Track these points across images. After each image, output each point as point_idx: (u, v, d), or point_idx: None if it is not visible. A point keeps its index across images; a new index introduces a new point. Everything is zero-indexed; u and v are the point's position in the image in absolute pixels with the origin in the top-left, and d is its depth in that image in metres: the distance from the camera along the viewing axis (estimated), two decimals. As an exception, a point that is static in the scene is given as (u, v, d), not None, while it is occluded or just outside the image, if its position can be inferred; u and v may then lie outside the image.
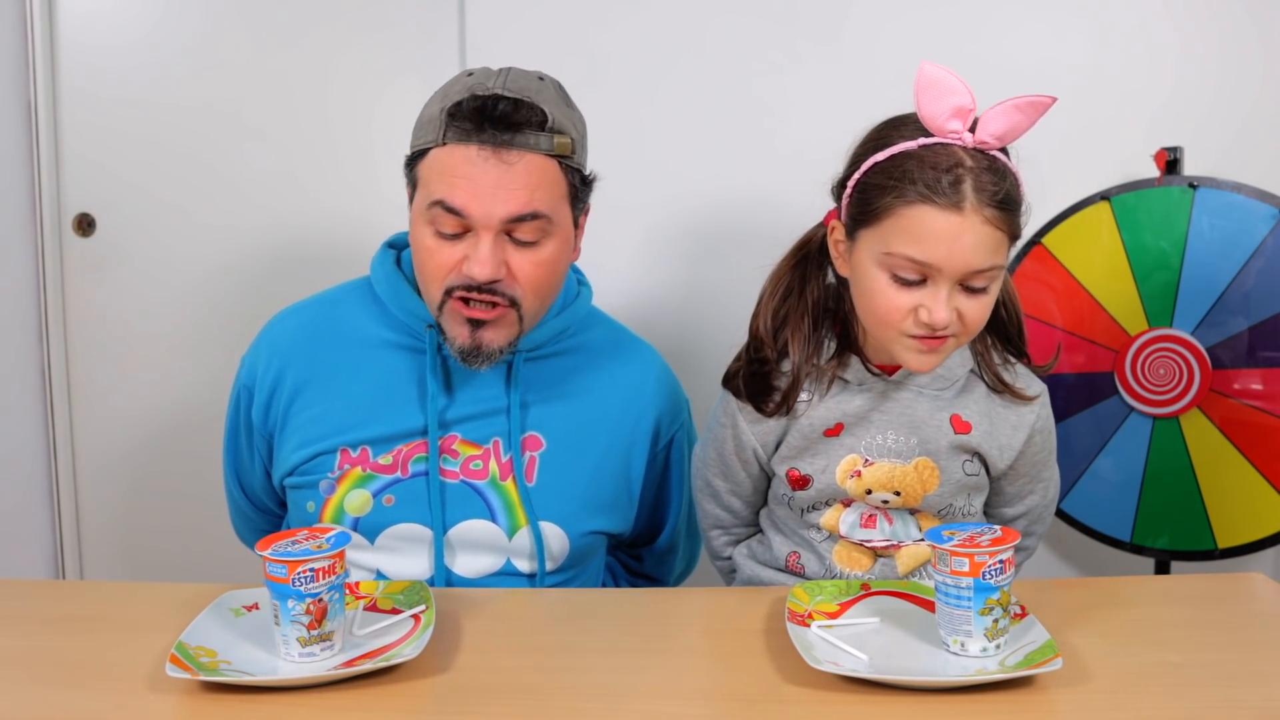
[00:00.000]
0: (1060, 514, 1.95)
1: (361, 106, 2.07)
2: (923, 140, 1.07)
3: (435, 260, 1.18)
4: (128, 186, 2.11)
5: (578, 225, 1.27)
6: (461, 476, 1.26)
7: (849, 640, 0.99)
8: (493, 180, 1.14)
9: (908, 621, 1.04)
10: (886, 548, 1.20)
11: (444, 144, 1.16)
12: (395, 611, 1.05)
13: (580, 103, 2.14)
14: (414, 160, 1.20)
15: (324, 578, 0.95)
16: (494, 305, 1.19)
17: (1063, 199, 1.93)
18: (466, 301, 1.19)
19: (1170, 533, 1.88)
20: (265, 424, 1.32)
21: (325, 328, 1.31)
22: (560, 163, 1.20)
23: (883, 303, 1.09)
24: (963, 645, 0.96)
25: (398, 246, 1.34)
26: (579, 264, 1.40)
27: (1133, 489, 1.89)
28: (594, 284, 1.47)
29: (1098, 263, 1.87)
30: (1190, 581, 1.31)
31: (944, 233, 1.04)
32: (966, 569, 0.94)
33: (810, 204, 2.05)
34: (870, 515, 1.20)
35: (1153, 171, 1.88)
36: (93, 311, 2.13)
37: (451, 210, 1.15)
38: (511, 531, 1.26)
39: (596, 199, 2.15)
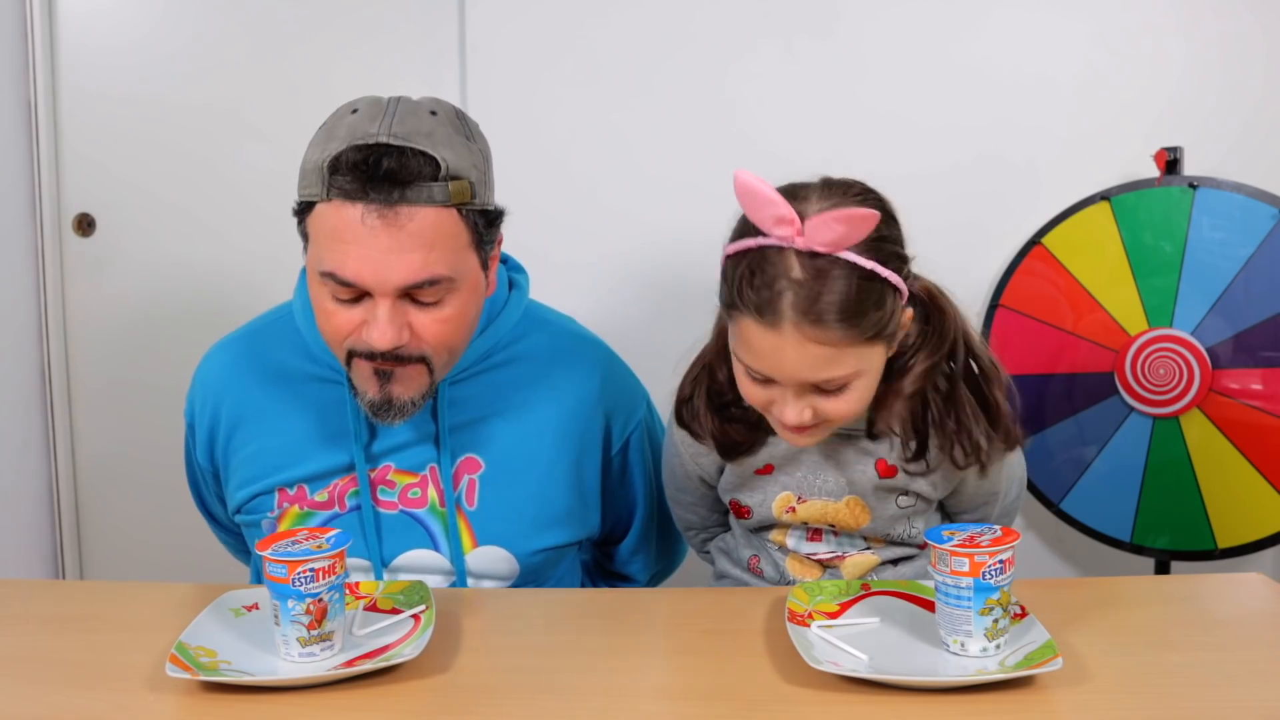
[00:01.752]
0: (1060, 514, 1.95)
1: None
2: (762, 240, 1.00)
3: (333, 324, 1.12)
4: (128, 186, 2.11)
5: (488, 265, 1.17)
6: (400, 506, 1.23)
7: (849, 640, 0.99)
8: (383, 245, 1.04)
9: (908, 621, 1.04)
10: (831, 559, 1.21)
11: (328, 199, 1.06)
12: (395, 611, 1.05)
13: (579, 101, 2.13)
14: (302, 211, 1.12)
15: (324, 578, 0.95)
16: (401, 363, 1.12)
17: (1063, 199, 1.93)
18: (371, 360, 1.12)
19: (1170, 533, 1.88)
20: (210, 462, 1.31)
21: (252, 364, 1.27)
22: (459, 210, 1.08)
23: (746, 392, 1.08)
24: (963, 645, 0.96)
25: None
26: (519, 256, 1.34)
27: (1133, 489, 1.89)
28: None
29: (1098, 263, 1.87)
30: (1190, 581, 1.31)
31: (766, 348, 1.00)
32: (966, 569, 0.94)
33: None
34: (816, 530, 1.22)
35: (1153, 171, 1.88)
36: (93, 311, 2.13)
37: (344, 282, 1.07)
38: (454, 558, 1.24)
39: (592, 199, 2.15)
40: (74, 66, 2.07)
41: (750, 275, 0.99)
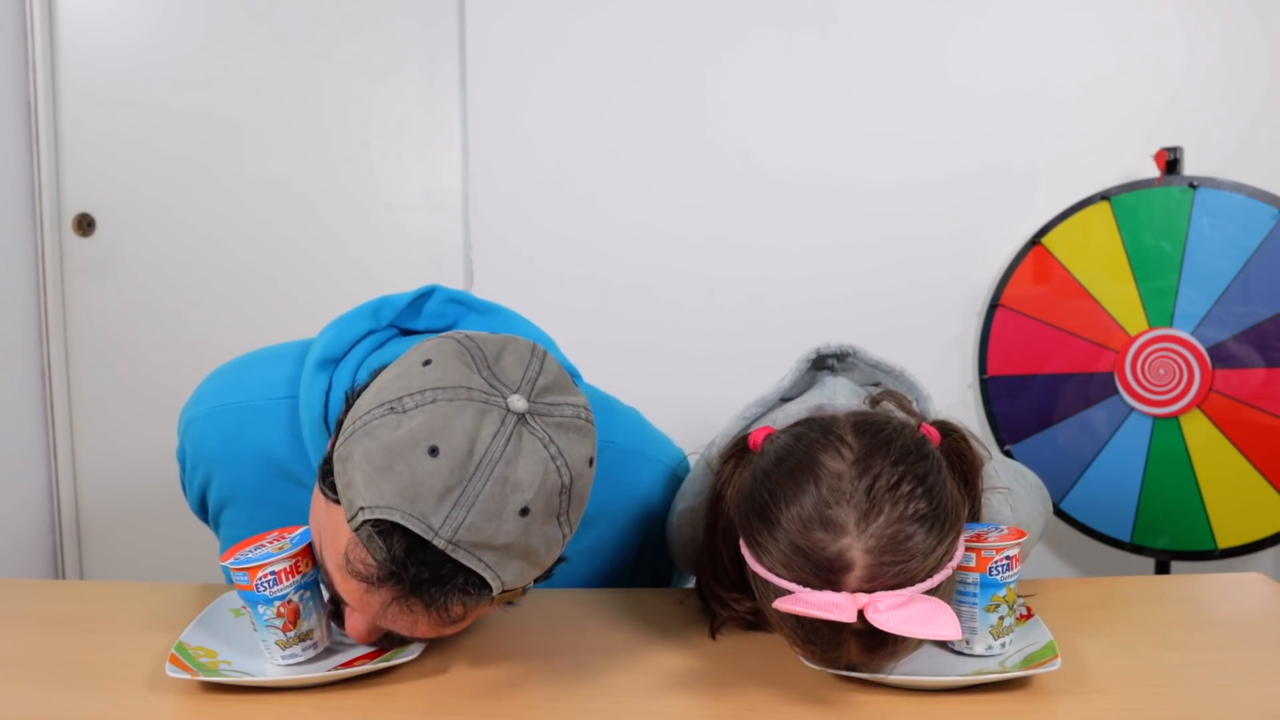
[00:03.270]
0: (1060, 514, 1.95)
1: (356, 106, 2.07)
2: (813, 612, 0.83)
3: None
4: (128, 187, 2.11)
5: None
6: None
7: (849, 640, 0.99)
8: (393, 617, 0.88)
9: (908, 621, 1.04)
10: None
11: (354, 532, 0.84)
12: (395, 611, 1.05)
13: (575, 92, 2.10)
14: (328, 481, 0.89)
15: (287, 579, 0.93)
16: None
17: (1063, 199, 1.93)
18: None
19: (1170, 533, 1.88)
20: (201, 512, 1.24)
21: (244, 444, 1.13)
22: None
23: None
24: (968, 643, 0.96)
25: (331, 363, 1.07)
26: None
27: (1133, 489, 1.89)
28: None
29: (1098, 263, 1.87)
30: (1190, 581, 1.30)
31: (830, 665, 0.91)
32: (973, 564, 0.94)
33: (793, 218, 2.04)
34: None
35: (1153, 172, 1.88)
36: (93, 311, 2.13)
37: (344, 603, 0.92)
38: None
39: (590, 201, 2.13)
40: (74, 67, 2.07)
41: (810, 637, 0.88)
